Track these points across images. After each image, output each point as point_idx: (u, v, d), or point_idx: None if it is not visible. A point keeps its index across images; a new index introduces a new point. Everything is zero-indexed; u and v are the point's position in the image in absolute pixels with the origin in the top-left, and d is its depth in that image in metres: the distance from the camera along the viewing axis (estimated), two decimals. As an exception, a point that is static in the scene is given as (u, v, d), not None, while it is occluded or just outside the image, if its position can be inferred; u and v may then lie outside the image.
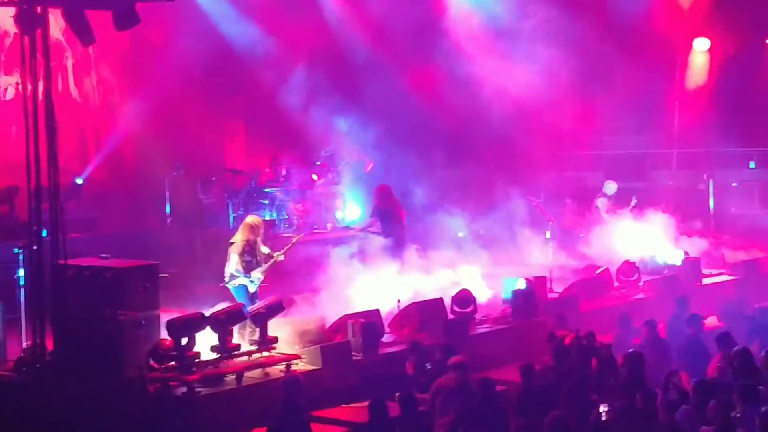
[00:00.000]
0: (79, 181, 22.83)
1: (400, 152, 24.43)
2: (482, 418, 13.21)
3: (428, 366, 14.95)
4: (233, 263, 16.70)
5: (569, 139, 28.63)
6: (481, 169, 26.52)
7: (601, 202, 24.05)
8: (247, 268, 16.71)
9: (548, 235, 21.52)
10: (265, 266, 16.89)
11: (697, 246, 23.55)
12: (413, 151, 24.70)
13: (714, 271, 22.96)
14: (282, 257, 17.09)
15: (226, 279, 16.75)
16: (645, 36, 28.15)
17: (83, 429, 13.21)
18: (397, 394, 13.77)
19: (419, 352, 15.43)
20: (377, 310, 17.39)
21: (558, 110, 27.04)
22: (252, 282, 16.73)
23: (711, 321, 18.56)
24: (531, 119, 26.03)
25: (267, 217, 22.49)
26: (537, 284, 19.78)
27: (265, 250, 17.05)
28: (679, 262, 22.42)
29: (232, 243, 16.87)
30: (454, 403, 13.59)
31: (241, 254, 16.72)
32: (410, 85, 25.21)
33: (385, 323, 17.46)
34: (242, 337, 15.74)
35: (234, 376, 14.87)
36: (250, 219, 17.29)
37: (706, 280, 22.28)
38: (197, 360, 14.72)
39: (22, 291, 15.83)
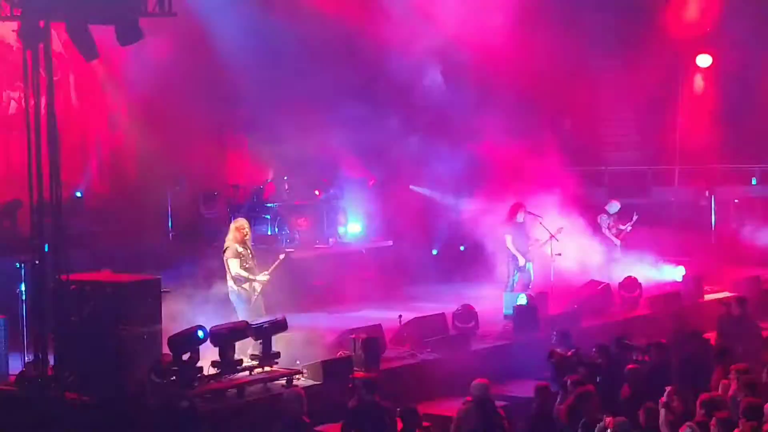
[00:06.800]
0: (78, 194, 22.84)
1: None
2: None
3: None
4: (233, 267, 16.64)
5: (571, 156, 28.55)
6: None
7: (602, 220, 23.97)
8: (249, 269, 16.70)
9: (550, 251, 21.47)
10: (258, 278, 16.85)
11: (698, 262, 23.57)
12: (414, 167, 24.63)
13: (715, 288, 22.96)
14: (266, 277, 17.05)
15: (230, 285, 16.68)
16: (648, 51, 28.15)
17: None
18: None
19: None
20: (379, 325, 17.40)
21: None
22: (254, 286, 16.71)
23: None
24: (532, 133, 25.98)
25: (269, 233, 22.52)
26: (539, 300, 19.78)
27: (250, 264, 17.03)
28: (680, 278, 22.41)
29: (225, 249, 16.83)
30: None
31: (237, 255, 16.70)
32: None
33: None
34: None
35: (235, 391, 14.87)
36: (235, 222, 17.28)
37: (707, 296, 22.27)
38: (199, 375, 14.71)
39: (24, 305, 15.85)
